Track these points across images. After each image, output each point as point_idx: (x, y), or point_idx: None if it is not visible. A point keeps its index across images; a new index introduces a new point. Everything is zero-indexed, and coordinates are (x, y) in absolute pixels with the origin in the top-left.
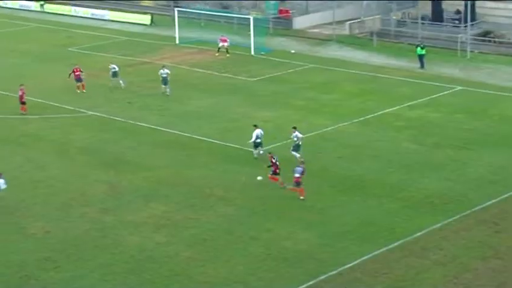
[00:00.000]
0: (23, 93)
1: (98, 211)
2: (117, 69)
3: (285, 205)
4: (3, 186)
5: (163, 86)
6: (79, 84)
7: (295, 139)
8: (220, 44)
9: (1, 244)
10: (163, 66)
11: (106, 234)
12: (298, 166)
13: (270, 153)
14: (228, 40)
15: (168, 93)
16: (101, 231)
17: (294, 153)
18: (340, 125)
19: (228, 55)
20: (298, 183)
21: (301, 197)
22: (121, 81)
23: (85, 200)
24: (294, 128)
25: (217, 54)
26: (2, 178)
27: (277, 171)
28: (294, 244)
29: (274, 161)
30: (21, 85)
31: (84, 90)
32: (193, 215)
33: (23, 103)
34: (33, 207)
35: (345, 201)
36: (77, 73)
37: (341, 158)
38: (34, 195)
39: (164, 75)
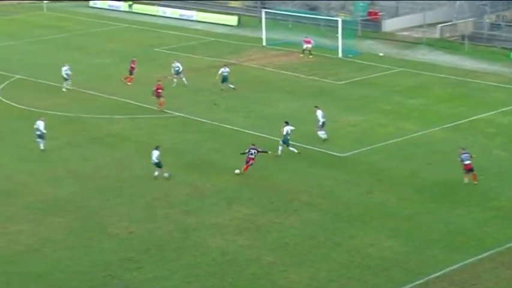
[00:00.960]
0: (158, 88)
1: (181, 212)
2: (180, 68)
3: (371, 211)
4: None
5: (222, 83)
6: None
7: (285, 133)
8: (305, 46)
9: (85, 243)
10: (225, 65)
11: (189, 236)
12: (464, 153)
13: (253, 144)
14: (312, 42)
15: (231, 87)
16: (184, 232)
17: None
18: (429, 130)
19: (310, 57)
20: (470, 170)
21: (475, 182)
22: (184, 79)
23: (169, 201)
24: (286, 122)
25: (301, 55)
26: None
27: (250, 162)
28: (379, 251)
29: (253, 152)
30: (159, 80)
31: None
32: (276, 218)
33: (158, 96)
34: (117, 207)
35: (433, 208)
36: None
37: (430, 164)
38: (119, 195)
39: (225, 74)
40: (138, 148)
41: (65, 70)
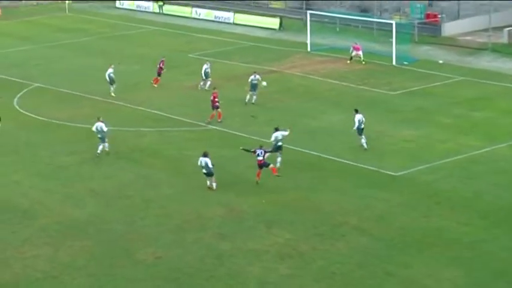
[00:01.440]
0: (215, 97)
1: (215, 236)
2: (209, 69)
3: (428, 237)
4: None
5: (250, 92)
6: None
7: (275, 141)
8: (354, 53)
9: (108, 271)
10: (255, 72)
11: (223, 263)
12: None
13: (261, 146)
14: (361, 48)
15: (253, 101)
16: (218, 258)
17: None
18: (494, 147)
19: (363, 63)
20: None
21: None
22: (208, 82)
23: (201, 224)
24: (276, 129)
25: (348, 62)
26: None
27: (261, 164)
28: (437, 283)
29: (259, 153)
30: (214, 89)
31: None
32: (321, 245)
33: (215, 108)
34: (143, 230)
35: (498, 235)
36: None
37: (496, 185)
38: (145, 217)
39: (255, 82)
40: (167, 164)
41: (109, 73)
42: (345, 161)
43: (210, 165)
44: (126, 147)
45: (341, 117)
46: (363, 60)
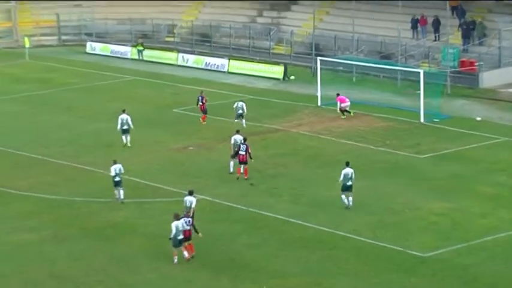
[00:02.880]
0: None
1: None
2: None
3: None
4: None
5: (236, 120)
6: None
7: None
8: (343, 105)
9: None
10: (241, 100)
11: None
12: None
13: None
14: (347, 101)
15: (244, 125)
16: None
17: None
18: None
19: (351, 115)
20: None
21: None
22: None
23: None
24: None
25: (343, 117)
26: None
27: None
28: None
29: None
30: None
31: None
32: None
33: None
34: None
35: None
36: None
37: None
38: None
39: (240, 111)
40: (147, 243)
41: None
42: (363, 239)
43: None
44: (96, 222)
45: (358, 185)
46: (349, 112)
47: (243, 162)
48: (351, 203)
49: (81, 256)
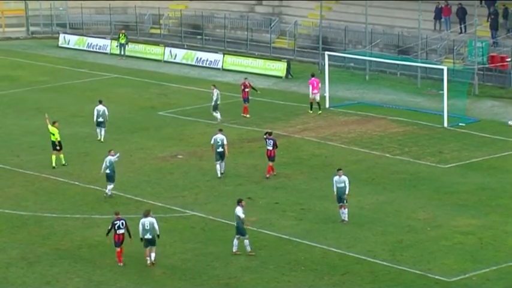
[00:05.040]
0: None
1: None
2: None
3: None
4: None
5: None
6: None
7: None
8: (314, 91)
9: None
10: (214, 86)
11: None
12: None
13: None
14: (318, 86)
15: (219, 120)
16: None
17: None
18: None
19: (319, 112)
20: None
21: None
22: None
23: None
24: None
25: (310, 111)
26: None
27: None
28: None
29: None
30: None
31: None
32: None
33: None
34: None
35: None
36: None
37: None
38: None
39: (215, 101)
40: (129, 267)
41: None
42: (379, 262)
43: (156, 226)
44: (71, 241)
45: (372, 199)
46: (319, 109)
47: (271, 158)
48: (344, 217)
49: (54, 280)
